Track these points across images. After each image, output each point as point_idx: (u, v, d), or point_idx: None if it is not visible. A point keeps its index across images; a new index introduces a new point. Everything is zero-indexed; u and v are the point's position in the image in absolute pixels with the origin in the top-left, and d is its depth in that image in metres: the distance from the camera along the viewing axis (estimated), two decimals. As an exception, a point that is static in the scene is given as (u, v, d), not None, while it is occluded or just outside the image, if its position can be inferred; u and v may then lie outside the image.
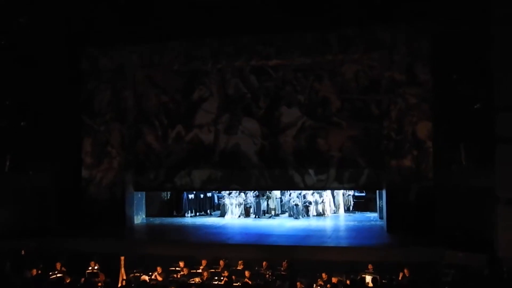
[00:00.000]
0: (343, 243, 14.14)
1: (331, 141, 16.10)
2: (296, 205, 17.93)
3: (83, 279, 10.79)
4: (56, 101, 16.66)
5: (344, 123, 15.96)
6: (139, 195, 18.07)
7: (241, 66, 16.64)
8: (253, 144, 16.77)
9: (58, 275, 11.53)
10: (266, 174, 16.71)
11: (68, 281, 10.40)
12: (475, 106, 12.98)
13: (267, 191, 18.41)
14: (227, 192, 19.08)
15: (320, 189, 17.68)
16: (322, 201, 18.38)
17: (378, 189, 16.57)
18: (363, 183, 16.10)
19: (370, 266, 11.57)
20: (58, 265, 12.21)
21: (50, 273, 11.70)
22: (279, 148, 16.55)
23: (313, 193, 18.40)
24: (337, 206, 18.95)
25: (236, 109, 16.90)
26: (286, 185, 17.27)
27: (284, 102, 16.48)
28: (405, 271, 11.08)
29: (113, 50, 17.08)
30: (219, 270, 12.06)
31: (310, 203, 18.15)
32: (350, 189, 17.76)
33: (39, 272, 11.33)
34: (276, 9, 14.84)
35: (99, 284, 10.60)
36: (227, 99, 16.97)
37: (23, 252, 13.43)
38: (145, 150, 17.57)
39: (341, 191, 19.04)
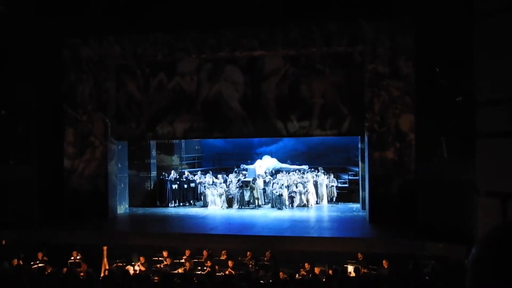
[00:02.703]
0: (326, 233, 14.26)
1: (314, 88, 16.08)
2: (280, 195, 17.99)
3: (65, 269, 10.75)
4: (38, 90, 16.44)
5: (327, 70, 15.97)
6: (122, 185, 17.97)
7: (225, 57, 16.57)
8: (236, 92, 16.68)
9: (40, 265, 11.48)
10: (248, 121, 16.67)
11: (49, 271, 10.36)
12: (457, 100, 13.13)
13: (251, 182, 18.45)
14: (210, 182, 19.09)
15: (303, 136, 17.61)
16: (306, 191, 18.46)
17: (360, 135, 16.50)
18: (345, 130, 16.18)
19: (359, 255, 11.74)
20: (40, 255, 12.15)
21: (32, 263, 11.63)
22: (262, 96, 16.48)
23: (297, 184, 18.49)
24: (320, 197, 19.06)
25: (219, 57, 16.73)
26: (268, 133, 17.36)
27: None
28: (384, 262, 11.24)
29: (95, 40, 16.88)
30: (202, 260, 12.10)
31: (295, 193, 18.23)
32: (332, 135, 17.52)
33: (20, 262, 11.26)
34: (260, 2, 14.79)
35: (81, 274, 10.57)
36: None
37: (4, 242, 13.32)
38: (126, 100, 17.41)
39: (325, 182, 19.14)
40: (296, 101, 16.21)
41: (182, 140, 21.96)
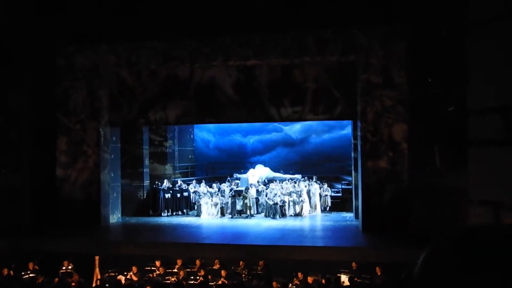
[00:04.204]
0: (319, 243, 14.24)
1: (306, 73, 16.19)
2: (276, 204, 17.94)
3: (56, 279, 10.66)
4: (31, 98, 16.40)
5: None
6: (115, 194, 17.90)
7: (219, 65, 16.60)
8: (229, 77, 16.75)
9: (31, 275, 11.37)
10: (241, 106, 16.74)
11: (40, 280, 10.27)
12: (449, 109, 13.22)
13: (243, 191, 18.41)
14: (205, 191, 19.04)
15: (296, 121, 17.56)
16: (301, 201, 18.43)
17: (353, 119, 16.60)
18: (338, 114, 16.28)
19: (354, 264, 11.73)
20: (31, 265, 12.04)
21: (23, 273, 11.52)
22: (255, 81, 16.55)
23: (290, 193, 18.47)
24: (313, 206, 19.04)
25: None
26: (261, 117, 17.46)
27: None
28: (377, 269, 11.24)
29: (89, 48, 16.87)
30: (195, 270, 12.04)
31: (284, 202, 18.20)
32: (325, 119, 17.61)
33: (11, 272, 11.15)
34: (254, 10, 14.88)
35: (73, 284, 10.48)
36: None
37: (-5, 252, 13.20)
38: (118, 85, 17.39)
39: (318, 191, 19.14)
40: (289, 86, 16.31)
41: (176, 149, 21.91)
